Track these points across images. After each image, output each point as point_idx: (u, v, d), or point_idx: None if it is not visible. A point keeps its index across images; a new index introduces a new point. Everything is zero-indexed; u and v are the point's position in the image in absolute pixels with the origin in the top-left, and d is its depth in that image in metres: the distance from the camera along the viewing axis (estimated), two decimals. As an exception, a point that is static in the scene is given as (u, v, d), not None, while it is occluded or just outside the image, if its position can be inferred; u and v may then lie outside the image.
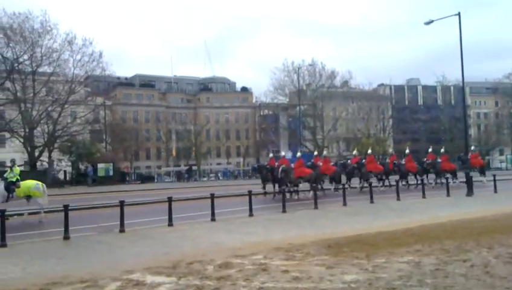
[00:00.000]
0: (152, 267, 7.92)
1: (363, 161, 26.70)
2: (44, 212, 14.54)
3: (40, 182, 15.33)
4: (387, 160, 28.72)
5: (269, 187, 22.69)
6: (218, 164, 77.23)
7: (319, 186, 23.05)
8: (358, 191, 24.03)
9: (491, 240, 9.75)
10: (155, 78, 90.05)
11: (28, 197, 14.66)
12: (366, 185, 24.72)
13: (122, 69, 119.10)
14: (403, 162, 28.27)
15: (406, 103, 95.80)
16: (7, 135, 48.94)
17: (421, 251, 8.73)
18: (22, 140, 47.47)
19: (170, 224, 13.12)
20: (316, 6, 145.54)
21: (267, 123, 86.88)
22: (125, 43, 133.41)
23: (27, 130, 46.49)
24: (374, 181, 24.61)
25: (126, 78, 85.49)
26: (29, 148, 47.25)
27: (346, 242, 9.94)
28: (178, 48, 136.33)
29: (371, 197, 18.67)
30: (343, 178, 25.69)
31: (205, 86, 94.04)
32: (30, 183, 14.92)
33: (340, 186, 23.27)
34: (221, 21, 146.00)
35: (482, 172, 29.62)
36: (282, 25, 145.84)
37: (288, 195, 21.24)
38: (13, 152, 51.89)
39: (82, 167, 49.59)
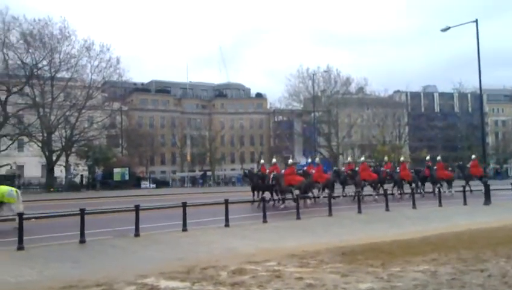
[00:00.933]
0: (166, 272, 7.95)
1: (357, 168, 25.79)
2: (63, 215, 14.64)
3: (14, 188, 14.91)
4: (382, 168, 27.49)
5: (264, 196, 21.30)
6: (232, 169, 77.39)
7: (311, 194, 22.20)
8: (351, 199, 22.95)
9: (509, 250, 9.57)
10: (171, 84, 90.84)
11: (1, 203, 14.05)
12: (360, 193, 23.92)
13: (139, 75, 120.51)
14: (397, 170, 27.13)
15: (422, 110, 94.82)
16: (26, 139, 49.78)
17: (437, 260, 8.60)
18: (40, 144, 48.24)
19: (184, 229, 13.17)
20: (330, 13, 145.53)
21: (282, 129, 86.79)
22: (141, 50, 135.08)
23: (45, 134, 47.25)
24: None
25: (142, 84, 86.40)
26: (47, 153, 47.99)
27: (361, 250, 9.84)
28: (193, 55, 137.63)
29: (386, 205, 18.49)
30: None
31: (220, 92, 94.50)
32: (3, 190, 14.41)
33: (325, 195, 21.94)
34: (236, 28, 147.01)
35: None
36: (296, 32, 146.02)
37: (273, 203, 20.35)
38: (31, 156, 52.98)
39: (98, 171, 50.24)
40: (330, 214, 16.53)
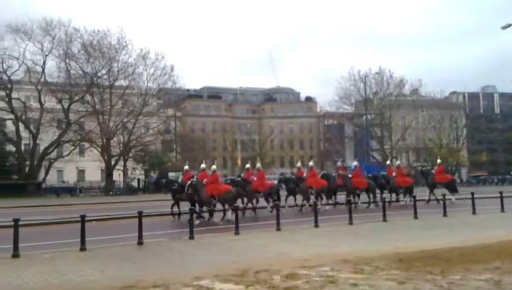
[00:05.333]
0: (220, 274, 8.07)
1: (304, 175, 22.85)
2: (122, 218, 15.26)
3: None
4: (334, 173, 24.82)
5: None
6: (281, 174, 77.45)
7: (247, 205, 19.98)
8: (298, 210, 21.20)
9: None
10: (222, 89, 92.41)
11: None
12: (305, 203, 21.30)
13: (192, 82, 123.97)
14: (350, 176, 24.24)
15: (481, 111, 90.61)
16: (86, 144, 52.39)
17: (500, 269, 8.16)
18: (99, 150, 50.59)
19: (236, 232, 13.35)
20: (380, 14, 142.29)
21: (332, 133, 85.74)
22: (194, 57, 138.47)
23: (104, 140, 49.52)
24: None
25: (195, 90, 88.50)
26: (106, 158, 50.24)
27: (419, 257, 9.50)
28: (243, 60, 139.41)
29: (444, 211, 17.82)
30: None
31: (269, 97, 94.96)
32: None
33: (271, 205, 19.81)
34: (285, 32, 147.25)
35: (452, 189, 25.27)
36: (345, 35, 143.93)
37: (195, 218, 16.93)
38: (92, 161, 55.67)
39: (154, 175, 52.07)
40: (384, 220, 16.15)
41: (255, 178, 21.07)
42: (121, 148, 50.88)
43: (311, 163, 24.44)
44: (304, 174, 22.92)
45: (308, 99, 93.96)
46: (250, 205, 20.53)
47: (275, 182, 23.84)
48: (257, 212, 20.52)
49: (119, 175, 53.28)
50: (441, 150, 68.22)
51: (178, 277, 8.02)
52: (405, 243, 11.88)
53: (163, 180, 21.12)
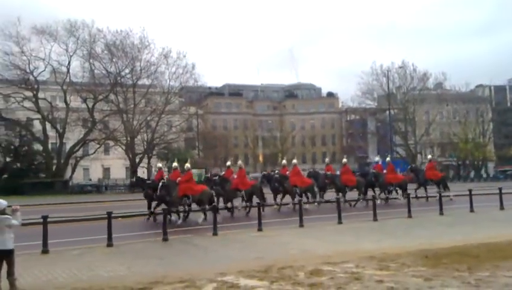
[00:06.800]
0: (244, 270, 8.13)
1: (288, 173, 21.68)
2: (147, 215, 15.43)
3: None
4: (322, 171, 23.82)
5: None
6: (303, 170, 77.05)
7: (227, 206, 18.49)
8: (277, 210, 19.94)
9: None
10: (243, 87, 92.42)
11: None
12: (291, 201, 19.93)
13: (213, 79, 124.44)
14: (338, 173, 23.29)
15: (508, 104, 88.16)
16: (111, 143, 53.29)
17: (531, 266, 7.97)
18: (124, 148, 51.44)
19: (259, 229, 13.39)
20: (401, 7, 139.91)
21: (355, 128, 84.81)
22: (215, 55, 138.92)
23: (129, 138, 50.32)
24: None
25: (216, 88, 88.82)
26: (130, 155, 51.04)
27: (445, 253, 9.36)
28: (264, 57, 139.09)
29: (471, 206, 17.46)
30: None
31: (290, 93, 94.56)
32: None
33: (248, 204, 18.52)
34: (305, 27, 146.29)
35: (444, 186, 24.48)
36: (366, 29, 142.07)
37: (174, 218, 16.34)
38: (117, 159, 56.59)
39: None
40: (410, 216, 15.95)
41: (235, 176, 20.06)
42: (145, 146, 51.59)
43: (294, 161, 23.51)
44: (288, 172, 21.90)
45: (330, 95, 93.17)
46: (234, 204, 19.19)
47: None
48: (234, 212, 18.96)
49: (144, 172, 53.94)
50: (466, 145, 66.85)
51: (203, 272, 8.11)
52: (431, 239, 11.71)
53: (134, 179, 20.22)
